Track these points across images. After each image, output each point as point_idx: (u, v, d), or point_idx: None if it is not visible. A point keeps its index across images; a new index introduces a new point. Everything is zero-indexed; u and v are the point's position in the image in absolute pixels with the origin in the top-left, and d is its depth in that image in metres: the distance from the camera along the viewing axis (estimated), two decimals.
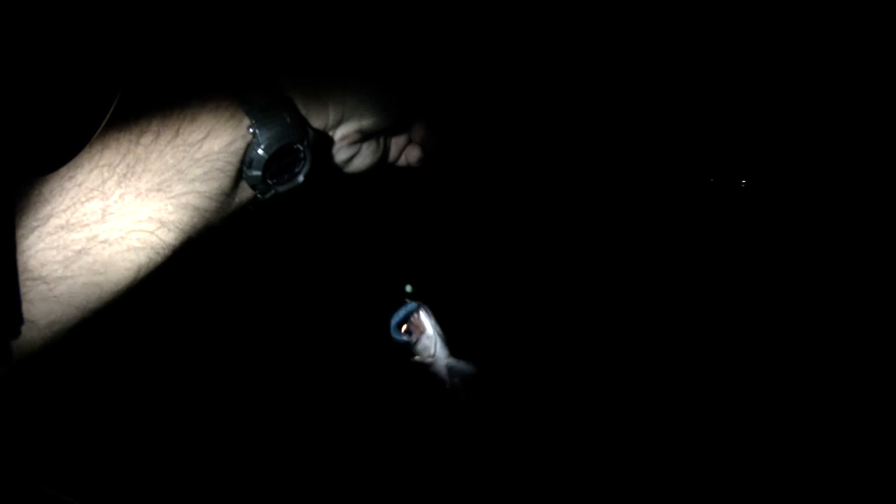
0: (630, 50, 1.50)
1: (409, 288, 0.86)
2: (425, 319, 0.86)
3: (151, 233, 0.57)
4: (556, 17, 1.44)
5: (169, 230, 0.58)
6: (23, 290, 0.53)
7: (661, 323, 1.58)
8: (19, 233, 0.53)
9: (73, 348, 0.60)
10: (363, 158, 0.72)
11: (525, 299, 1.57)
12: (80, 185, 0.54)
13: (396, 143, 0.76)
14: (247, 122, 0.60)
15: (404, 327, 0.88)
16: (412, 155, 0.76)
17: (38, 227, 0.53)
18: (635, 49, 1.50)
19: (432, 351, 0.88)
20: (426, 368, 0.91)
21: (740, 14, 1.44)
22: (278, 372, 1.32)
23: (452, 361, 0.89)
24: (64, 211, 0.54)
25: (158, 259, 0.58)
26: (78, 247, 0.54)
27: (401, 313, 0.86)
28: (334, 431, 1.30)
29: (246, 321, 1.30)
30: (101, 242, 0.55)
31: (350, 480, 1.25)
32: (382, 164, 0.75)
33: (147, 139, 0.57)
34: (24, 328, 0.55)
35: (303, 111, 0.64)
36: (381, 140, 0.74)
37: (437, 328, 0.87)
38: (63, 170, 0.54)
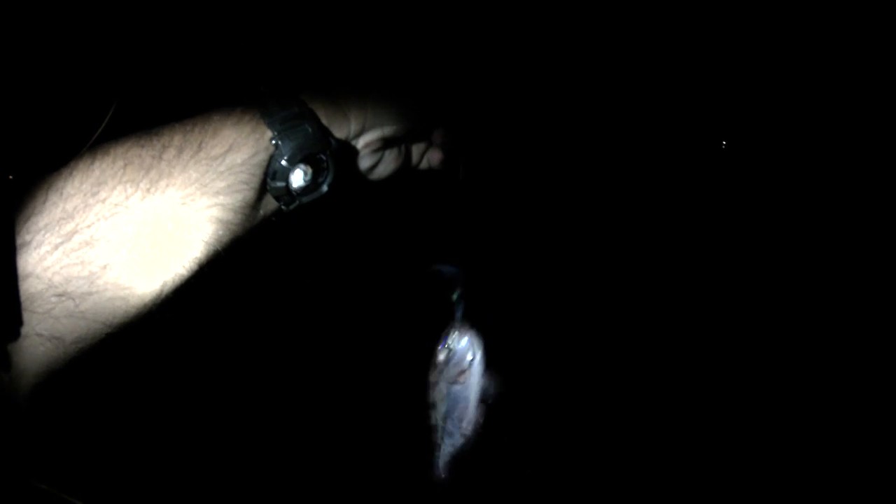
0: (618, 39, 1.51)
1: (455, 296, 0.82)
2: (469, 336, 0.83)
3: (177, 245, 0.56)
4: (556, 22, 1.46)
5: (194, 243, 0.57)
6: (48, 306, 0.53)
7: (660, 322, 1.58)
8: (43, 249, 0.52)
9: (98, 364, 0.60)
10: (387, 165, 0.72)
11: (526, 298, 1.56)
12: (104, 200, 0.54)
13: (417, 147, 0.75)
14: (269, 133, 0.59)
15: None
16: (434, 158, 0.76)
17: (62, 243, 0.53)
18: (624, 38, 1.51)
19: (467, 362, 0.85)
20: (456, 380, 0.88)
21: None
22: (295, 374, 1.32)
23: (486, 382, 0.86)
24: (89, 227, 0.53)
25: (182, 272, 0.58)
26: (103, 262, 0.53)
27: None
28: (337, 431, 1.30)
29: (270, 327, 1.30)
30: (127, 258, 0.54)
31: (349, 480, 1.25)
32: (405, 169, 0.74)
33: (170, 154, 0.56)
34: (50, 346, 0.54)
35: (325, 121, 0.63)
36: (403, 146, 0.73)
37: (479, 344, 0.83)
38: (86, 186, 0.54)
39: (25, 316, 0.53)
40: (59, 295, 0.53)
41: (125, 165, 0.55)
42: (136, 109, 0.64)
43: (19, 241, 0.52)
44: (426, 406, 0.86)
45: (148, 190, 0.55)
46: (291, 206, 0.64)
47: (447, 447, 0.86)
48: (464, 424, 0.88)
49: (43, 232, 0.52)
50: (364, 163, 0.70)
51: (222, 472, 1.21)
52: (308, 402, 1.31)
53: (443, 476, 0.87)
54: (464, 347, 0.80)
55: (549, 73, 1.49)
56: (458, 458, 0.86)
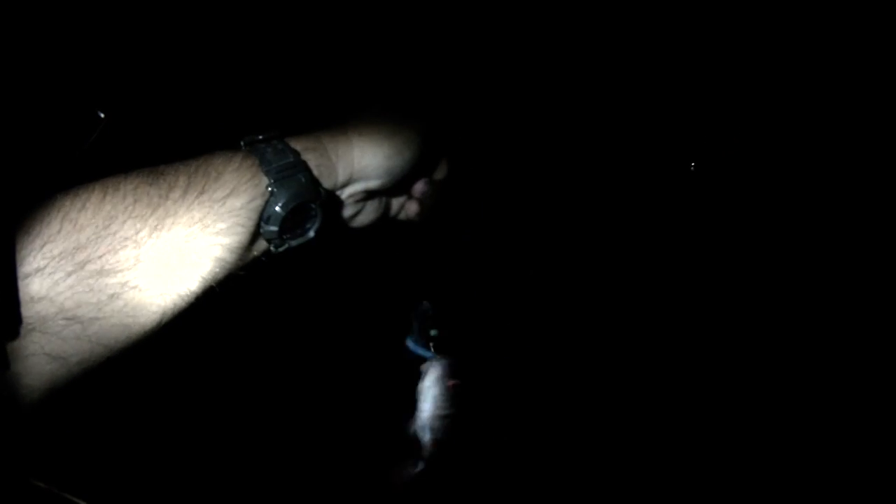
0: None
1: (434, 332, 0.90)
2: (435, 380, 0.89)
3: (178, 280, 0.63)
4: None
5: (194, 278, 0.64)
6: (57, 328, 0.59)
7: (659, 322, 1.60)
8: (57, 276, 0.58)
9: (95, 383, 0.65)
10: (367, 215, 0.79)
11: (526, 298, 1.58)
12: (114, 234, 0.60)
13: (397, 199, 0.83)
14: (266, 181, 0.67)
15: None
16: (411, 209, 0.83)
17: (74, 272, 0.59)
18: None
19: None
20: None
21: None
22: (284, 380, 1.35)
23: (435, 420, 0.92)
24: (100, 257, 0.59)
25: (181, 304, 0.64)
26: (112, 291, 0.60)
27: (419, 349, 0.90)
28: (334, 431, 1.32)
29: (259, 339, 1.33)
30: (133, 288, 0.60)
31: (348, 479, 1.27)
32: (384, 219, 0.82)
33: (176, 194, 0.63)
34: (55, 365, 0.60)
35: (315, 172, 0.71)
36: (384, 198, 0.81)
37: (438, 389, 0.89)
38: (98, 220, 0.60)
39: (36, 336, 0.58)
40: (69, 319, 0.59)
41: (135, 202, 0.61)
42: (140, 144, 0.70)
43: (35, 265, 0.58)
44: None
45: (155, 227, 0.61)
46: (280, 249, 0.71)
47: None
48: (426, 436, 0.94)
49: (58, 259, 0.58)
50: (347, 211, 0.77)
51: (218, 466, 1.23)
52: (296, 404, 1.34)
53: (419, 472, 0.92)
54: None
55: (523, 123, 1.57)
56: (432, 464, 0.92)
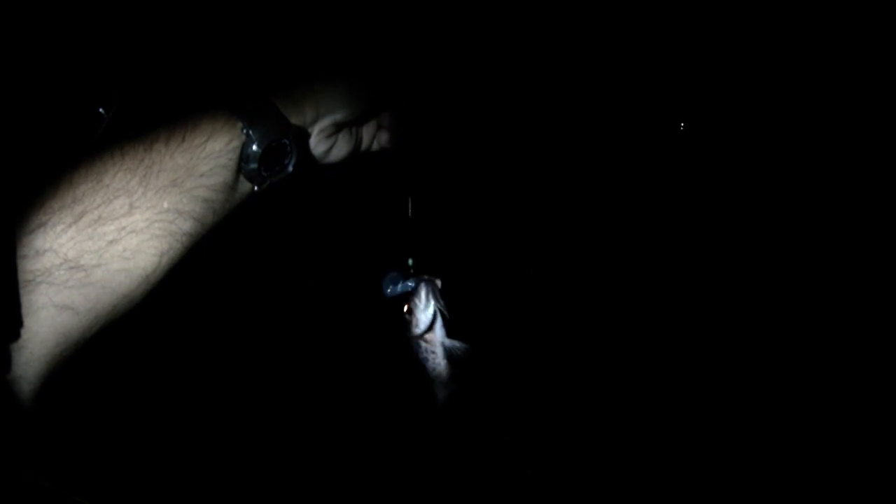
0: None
1: (410, 261, 0.93)
2: (428, 296, 0.91)
3: (171, 222, 0.67)
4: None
5: (185, 219, 0.68)
6: (63, 278, 0.63)
7: (659, 321, 1.62)
8: (59, 228, 0.62)
9: (105, 336, 0.69)
10: (340, 148, 0.83)
11: (526, 295, 1.60)
12: (107, 186, 0.64)
13: (368, 131, 0.87)
14: (240, 124, 0.71)
15: (406, 307, 0.93)
16: (382, 138, 0.88)
17: (74, 223, 0.63)
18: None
19: (425, 326, 0.93)
20: (421, 347, 0.98)
21: None
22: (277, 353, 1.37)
23: (449, 342, 0.94)
24: (96, 208, 0.63)
25: (177, 245, 0.68)
26: (110, 237, 0.64)
27: (397, 286, 0.93)
28: (334, 431, 1.34)
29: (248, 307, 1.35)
30: (130, 232, 0.65)
31: (347, 479, 1.30)
32: (357, 152, 0.86)
33: (159, 145, 0.67)
34: (66, 316, 0.64)
35: (284, 112, 0.75)
36: (354, 130, 0.85)
37: (441, 305, 0.92)
38: (92, 174, 0.65)
39: (42, 288, 0.62)
40: (73, 268, 0.63)
41: (123, 156, 0.65)
42: (125, 111, 0.74)
43: (37, 222, 0.62)
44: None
45: (144, 175, 0.66)
46: (263, 186, 0.75)
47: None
48: (437, 381, 0.99)
49: (58, 213, 0.62)
50: (320, 147, 0.81)
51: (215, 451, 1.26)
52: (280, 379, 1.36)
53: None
54: (426, 312, 0.91)
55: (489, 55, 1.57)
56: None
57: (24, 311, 0.62)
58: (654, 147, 1.75)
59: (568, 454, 1.41)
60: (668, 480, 1.43)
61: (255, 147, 0.71)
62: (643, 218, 1.74)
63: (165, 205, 0.67)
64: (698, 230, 1.71)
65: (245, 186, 0.74)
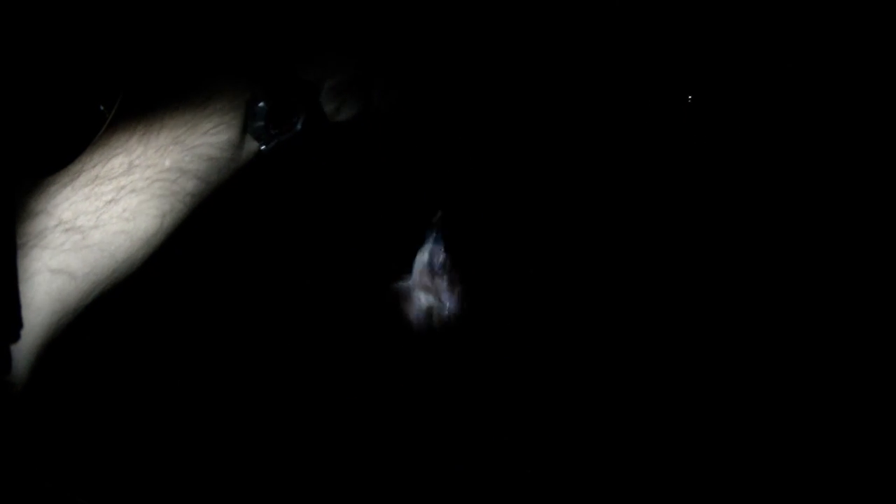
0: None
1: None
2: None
3: (173, 181, 0.62)
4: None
5: (188, 179, 0.63)
6: (59, 241, 0.58)
7: (659, 321, 1.60)
8: (53, 188, 0.57)
9: (106, 302, 0.65)
10: (351, 106, 0.79)
11: (526, 295, 1.58)
12: (105, 144, 0.60)
13: (376, 90, 0.83)
14: (245, 80, 0.67)
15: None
16: (391, 96, 0.84)
17: (69, 182, 0.58)
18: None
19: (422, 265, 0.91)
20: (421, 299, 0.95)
21: None
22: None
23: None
24: (93, 167, 0.59)
25: (181, 206, 0.64)
26: (108, 197, 0.59)
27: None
28: (334, 431, 1.32)
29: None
30: (130, 192, 0.60)
31: (348, 479, 1.27)
32: (367, 111, 0.82)
33: (160, 103, 0.63)
34: (62, 280, 0.59)
35: (291, 67, 0.71)
36: (364, 90, 0.81)
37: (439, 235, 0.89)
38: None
39: (36, 252, 0.57)
40: (69, 230, 0.58)
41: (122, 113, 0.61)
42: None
43: (28, 183, 0.57)
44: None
45: (144, 133, 0.61)
46: (270, 145, 0.70)
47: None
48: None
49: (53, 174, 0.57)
50: (330, 106, 0.77)
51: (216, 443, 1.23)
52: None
53: None
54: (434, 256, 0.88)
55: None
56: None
57: (19, 277, 0.57)
58: (659, 135, 1.74)
59: (568, 454, 1.40)
60: (669, 480, 1.43)
61: (261, 104, 0.67)
62: (644, 216, 1.73)
63: (167, 163, 0.62)
64: (699, 230, 1.71)
65: (252, 145, 0.70)
